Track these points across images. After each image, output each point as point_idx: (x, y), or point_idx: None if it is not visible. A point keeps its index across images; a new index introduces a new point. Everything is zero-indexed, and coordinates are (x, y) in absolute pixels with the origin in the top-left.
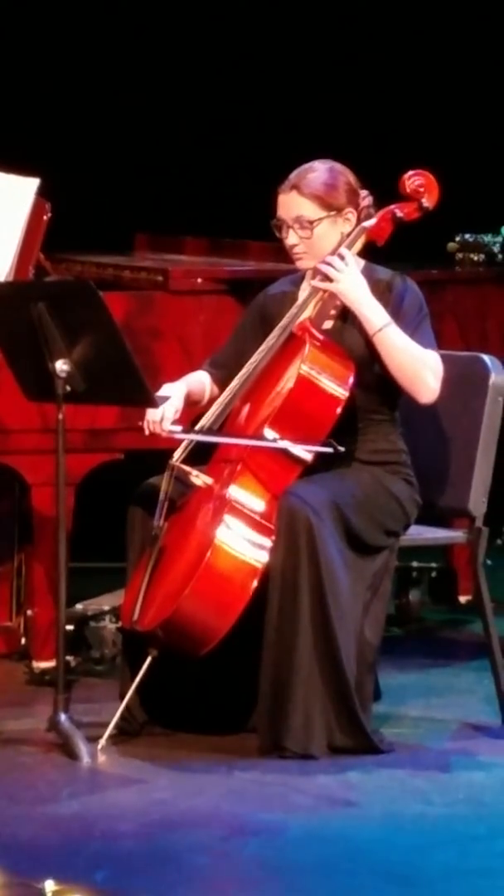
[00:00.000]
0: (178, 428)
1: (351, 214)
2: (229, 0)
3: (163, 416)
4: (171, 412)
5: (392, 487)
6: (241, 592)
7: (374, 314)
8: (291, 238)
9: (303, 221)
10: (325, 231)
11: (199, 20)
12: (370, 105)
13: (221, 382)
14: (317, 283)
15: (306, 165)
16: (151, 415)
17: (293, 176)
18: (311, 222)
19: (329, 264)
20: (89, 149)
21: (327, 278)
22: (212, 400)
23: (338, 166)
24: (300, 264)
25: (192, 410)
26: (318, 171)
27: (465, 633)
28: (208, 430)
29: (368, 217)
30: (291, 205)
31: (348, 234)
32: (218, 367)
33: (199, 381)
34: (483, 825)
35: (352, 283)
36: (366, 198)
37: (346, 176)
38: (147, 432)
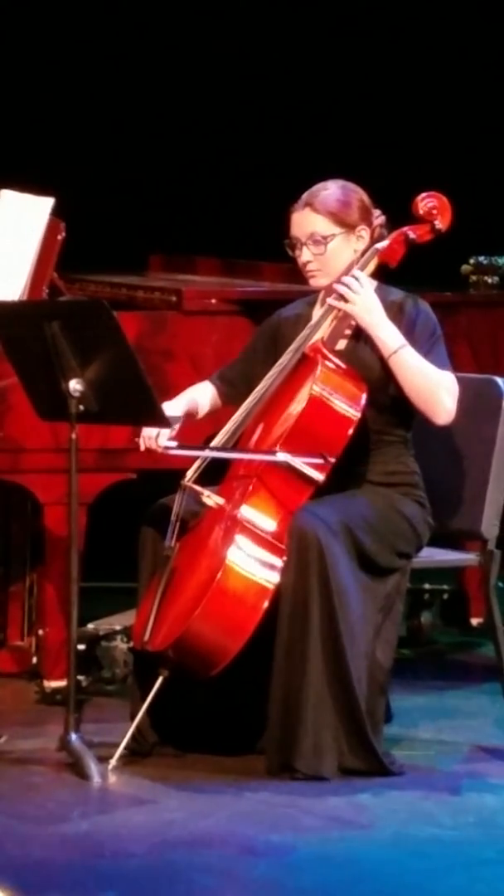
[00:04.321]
0: (174, 444)
1: (364, 232)
2: (245, 27)
3: (158, 431)
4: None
5: (404, 509)
6: (252, 613)
7: (389, 336)
8: (305, 255)
9: (316, 237)
10: (338, 247)
11: (214, 43)
12: (384, 126)
13: (226, 397)
14: (333, 301)
15: (319, 185)
16: (147, 430)
17: (306, 195)
18: (324, 237)
19: (346, 285)
20: (104, 169)
21: (343, 298)
22: (217, 414)
23: (350, 185)
24: (314, 282)
25: (205, 430)
26: (331, 189)
27: (476, 655)
28: (206, 447)
29: (381, 237)
30: (305, 222)
31: (361, 254)
32: (225, 382)
33: (202, 393)
34: (493, 848)
35: (367, 304)
36: (379, 217)
37: (359, 194)
38: (142, 448)
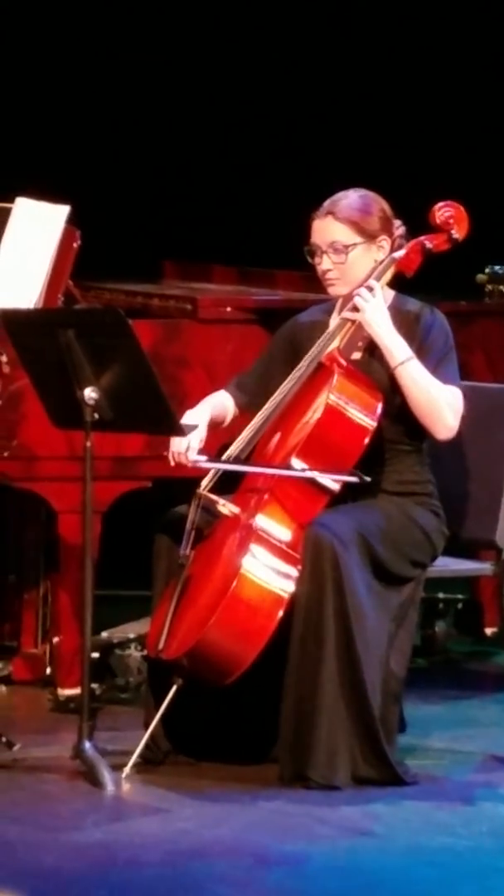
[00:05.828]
0: (204, 458)
1: (385, 242)
2: (263, 34)
3: (188, 446)
4: (196, 442)
5: (419, 519)
6: (267, 622)
7: (396, 348)
8: (325, 263)
9: (337, 247)
10: (358, 257)
11: (230, 50)
12: (401, 136)
13: (243, 405)
14: (346, 313)
15: (341, 193)
16: (176, 445)
17: (328, 203)
18: (346, 247)
19: (358, 295)
20: (119, 176)
21: (356, 309)
22: (232, 423)
23: (372, 194)
24: (332, 290)
25: (220, 439)
26: (353, 198)
27: (490, 664)
28: (235, 460)
29: (400, 247)
30: (326, 230)
31: (379, 263)
32: (242, 389)
33: (222, 403)
34: None
35: (375, 315)
36: (399, 227)
37: (381, 204)
38: (172, 463)
